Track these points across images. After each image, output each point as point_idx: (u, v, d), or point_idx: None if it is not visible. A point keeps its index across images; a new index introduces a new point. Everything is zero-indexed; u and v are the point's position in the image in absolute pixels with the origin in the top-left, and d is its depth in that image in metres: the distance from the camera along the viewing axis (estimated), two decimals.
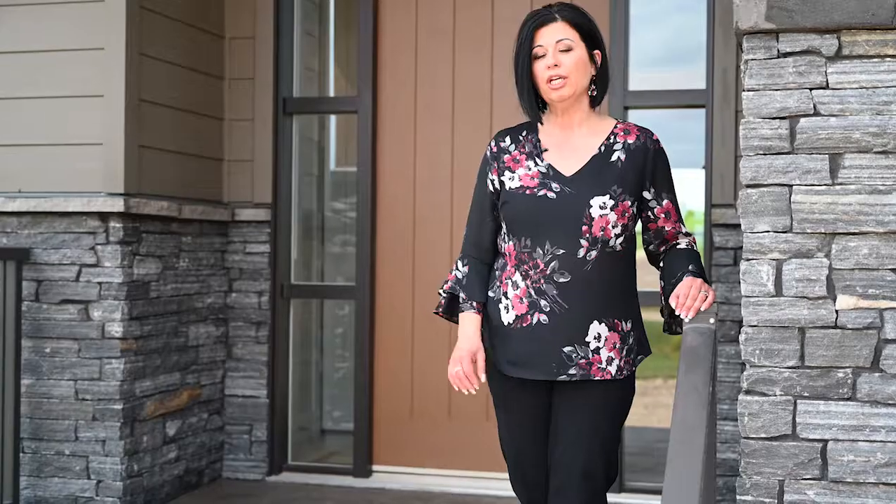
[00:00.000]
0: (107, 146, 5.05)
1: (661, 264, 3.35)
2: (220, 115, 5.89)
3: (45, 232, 5.10)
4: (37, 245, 5.10)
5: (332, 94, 6.49)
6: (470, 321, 3.31)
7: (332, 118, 6.45)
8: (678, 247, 3.32)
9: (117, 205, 4.97)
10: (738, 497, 2.90)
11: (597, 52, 3.25)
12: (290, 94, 5.99)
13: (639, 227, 3.36)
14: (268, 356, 5.88)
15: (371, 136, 5.88)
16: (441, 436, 5.83)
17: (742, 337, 2.95)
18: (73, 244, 5.07)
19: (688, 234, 3.35)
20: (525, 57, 3.22)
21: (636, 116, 5.58)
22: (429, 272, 5.75)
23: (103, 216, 5.04)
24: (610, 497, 5.36)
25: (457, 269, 3.38)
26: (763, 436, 2.92)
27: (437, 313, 3.44)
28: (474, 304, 3.31)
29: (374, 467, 5.89)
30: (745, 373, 2.93)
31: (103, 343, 5.04)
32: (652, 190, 3.26)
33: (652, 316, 3.60)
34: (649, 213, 3.29)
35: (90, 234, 5.06)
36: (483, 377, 3.26)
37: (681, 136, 5.76)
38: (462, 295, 3.32)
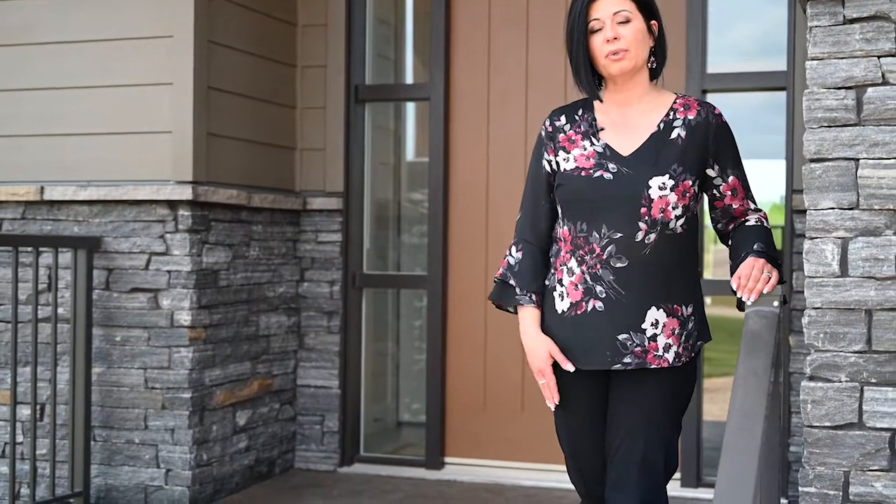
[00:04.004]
0: (176, 134, 5.03)
1: (730, 242, 3.21)
2: (291, 103, 5.85)
3: (116, 220, 5.10)
4: (107, 233, 5.11)
5: (409, 81, 6.40)
6: (530, 318, 3.16)
7: (410, 108, 6.38)
8: (747, 224, 3.17)
9: (186, 193, 4.95)
10: (800, 489, 2.76)
11: (653, 22, 3.12)
12: (362, 81, 5.93)
13: (707, 206, 3.22)
14: (340, 346, 5.83)
15: (443, 123, 5.80)
16: (514, 428, 5.72)
17: (805, 320, 2.80)
18: (143, 232, 5.06)
19: (758, 210, 3.20)
20: (580, 32, 3.10)
21: (716, 100, 5.41)
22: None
23: (172, 204, 5.03)
24: (687, 492, 5.26)
25: (510, 254, 3.22)
26: (827, 424, 2.77)
27: (492, 301, 3.31)
28: (532, 295, 3.16)
29: (447, 459, 5.81)
30: (808, 358, 2.78)
31: (172, 331, 5.03)
32: (716, 167, 3.12)
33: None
34: (715, 192, 3.15)
35: (159, 223, 5.05)
36: (571, 366, 3.11)
37: (765, 126, 5.59)
38: (514, 284, 3.17)
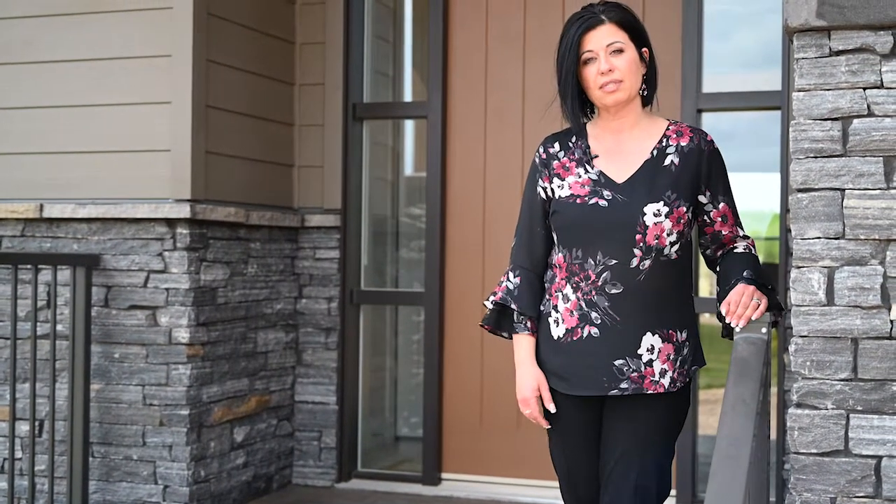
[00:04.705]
0: (174, 153, 5.07)
1: (718, 269, 3.24)
2: (290, 120, 5.89)
3: (115, 238, 5.14)
4: (106, 251, 5.15)
5: (408, 99, 6.44)
6: (525, 347, 3.23)
7: (408, 124, 6.41)
8: (735, 251, 3.21)
9: (184, 211, 4.98)
10: None
11: (644, 49, 3.15)
12: (360, 99, 5.97)
13: (695, 231, 3.26)
14: (337, 362, 5.86)
15: (441, 140, 5.83)
16: (511, 444, 5.75)
17: (792, 347, 2.83)
18: (142, 250, 5.10)
19: (746, 238, 3.24)
20: (572, 62, 3.13)
21: (710, 119, 5.46)
22: (499, 278, 5.67)
23: (170, 222, 5.07)
24: None
25: (507, 279, 3.26)
26: (814, 451, 2.80)
27: (482, 326, 3.36)
28: (528, 322, 3.22)
29: (444, 475, 5.84)
30: (795, 385, 2.81)
31: (170, 349, 5.06)
32: (707, 193, 3.16)
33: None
34: (705, 217, 3.19)
35: (158, 241, 5.09)
36: (552, 407, 3.19)
37: (765, 138, 5.60)
38: (514, 307, 3.22)
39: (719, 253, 3.25)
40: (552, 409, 3.19)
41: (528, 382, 3.22)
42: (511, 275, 3.27)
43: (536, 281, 3.25)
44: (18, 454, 5.16)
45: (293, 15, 5.91)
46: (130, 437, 5.11)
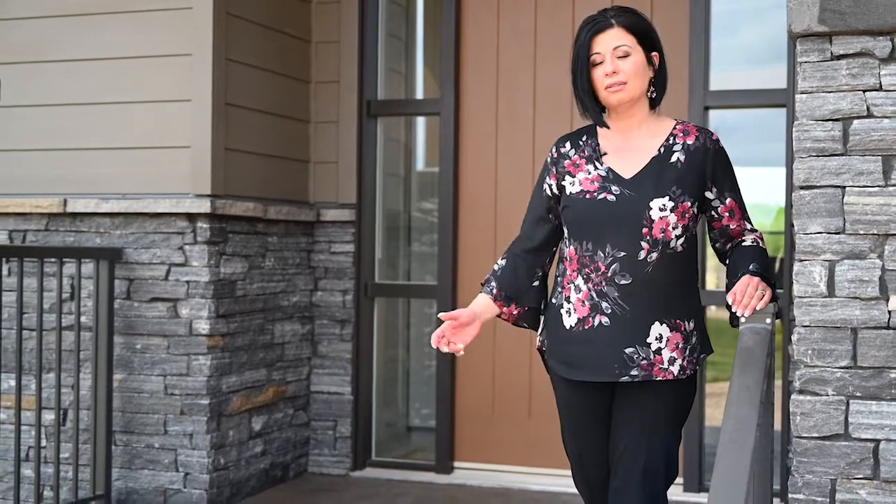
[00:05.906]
0: (195, 149, 5.21)
1: (727, 262, 3.37)
2: (305, 117, 6.02)
3: (136, 232, 5.27)
4: (128, 245, 5.28)
5: (420, 95, 6.57)
6: (480, 300, 3.39)
7: (421, 120, 6.54)
8: (743, 244, 3.33)
9: (204, 206, 5.12)
10: (789, 496, 2.92)
11: (654, 53, 3.28)
12: (374, 96, 6.10)
13: (706, 226, 3.39)
14: (352, 353, 5.99)
15: (453, 137, 5.96)
16: (521, 434, 5.88)
17: (794, 337, 2.96)
18: (163, 244, 5.24)
19: (754, 231, 3.36)
20: (583, 64, 3.27)
21: (717, 116, 5.57)
22: None
23: (191, 217, 5.20)
24: (690, 497, 5.41)
25: (496, 264, 3.46)
26: (815, 435, 2.94)
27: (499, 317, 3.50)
28: (494, 290, 3.37)
29: (456, 464, 5.97)
30: (797, 372, 2.95)
31: (191, 340, 5.20)
32: (714, 190, 3.28)
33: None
34: (713, 213, 3.31)
35: (179, 235, 5.22)
36: (449, 348, 3.29)
37: (773, 133, 5.70)
38: (489, 278, 3.40)
39: (728, 246, 3.37)
40: (450, 349, 3.29)
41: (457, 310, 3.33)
42: (501, 260, 3.46)
43: (523, 265, 3.40)
44: (43, 442, 5.30)
45: (309, 14, 6.04)
46: (152, 425, 5.25)
